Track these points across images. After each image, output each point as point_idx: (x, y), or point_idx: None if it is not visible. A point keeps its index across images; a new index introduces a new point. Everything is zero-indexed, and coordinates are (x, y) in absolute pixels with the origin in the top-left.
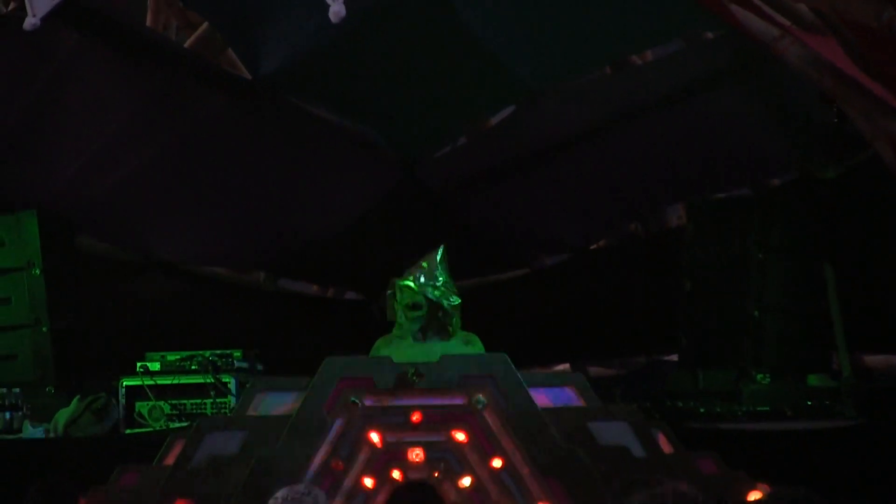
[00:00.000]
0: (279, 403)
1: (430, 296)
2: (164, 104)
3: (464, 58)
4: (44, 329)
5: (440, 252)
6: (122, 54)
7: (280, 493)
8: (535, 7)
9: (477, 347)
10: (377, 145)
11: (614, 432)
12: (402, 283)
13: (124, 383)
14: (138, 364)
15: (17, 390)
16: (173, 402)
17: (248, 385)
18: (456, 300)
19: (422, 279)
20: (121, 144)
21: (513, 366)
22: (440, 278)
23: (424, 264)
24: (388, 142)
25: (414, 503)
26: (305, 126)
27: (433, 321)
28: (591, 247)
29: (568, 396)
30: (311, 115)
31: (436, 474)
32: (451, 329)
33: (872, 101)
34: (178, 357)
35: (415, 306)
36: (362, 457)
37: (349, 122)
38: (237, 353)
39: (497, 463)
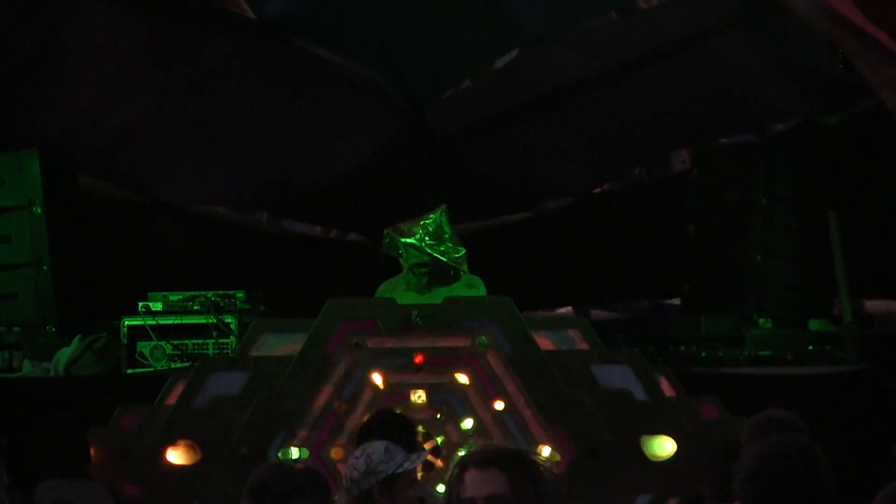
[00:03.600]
0: (282, 344)
1: (435, 254)
2: (167, 45)
3: (469, 2)
4: (45, 268)
5: (443, 210)
6: None
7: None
8: None
9: (480, 291)
10: (382, 88)
11: (617, 376)
12: (405, 241)
13: (126, 323)
14: (140, 304)
15: (18, 329)
16: (175, 342)
17: (250, 326)
18: (461, 250)
19: (427, 239)
20: (124, 85)
21: (516, 308)
22: (445, 234)
23: (429, 222)
24: (392, 85)
25: (386, 432)
26: (310, 68)
27: (437, 273)
28: (595, 191)
29: (571, 340)
30: (316, 57)
31: (438, 416)
32: (454, 275)
33: (878, 50)
34: (180, 297)
35: (420, 265)
36: (365, 398)
37: (354, 64)
38: (240, 294)
39: (499, 405)
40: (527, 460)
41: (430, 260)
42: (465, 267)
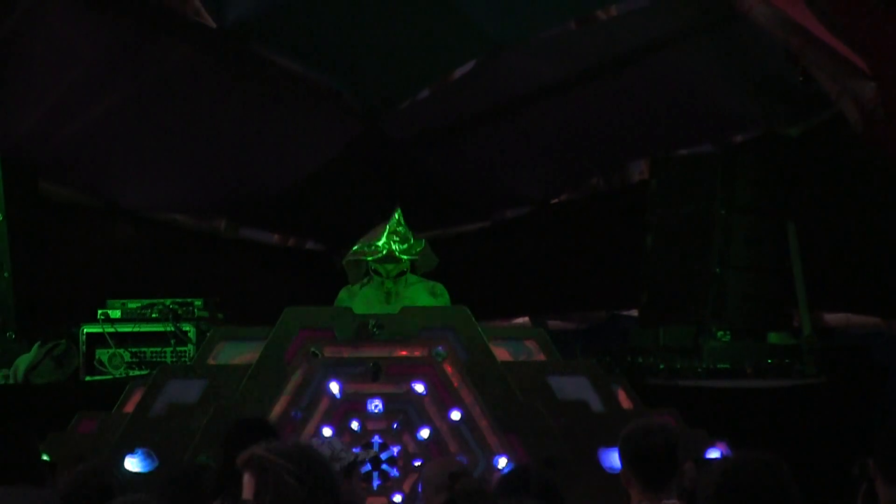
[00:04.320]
0: (239, 352)
1: (409, 257)
2: (128, 51)
3: (428, 10)
4: (5, 275)
5: (399, 213)
6: (86, 1)
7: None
8: None
9: (443, 298)
10: (340, 96)
11: (574, 387)
12: (374, 259)
13: (85, 330)
14: (99, 311)
15: None
16: (133, 349)
17: (208, 334)
18: (422, 241)
19: (398, 247)
20: (85, 91)
21: (473, 318)
22: (408, 234)
23: (393, 230)
24: (351, 93)
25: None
26: (269, 75)
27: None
28: (553, 201)
29: (528, 350)
30: (275, 64)
31: (395, 425)
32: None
33: (838, 61)
34: (138, 304)
35: (400, 273)
36: (322, 407)
37: (313, 72)
38: (198, 302)
39: (456, 415)
40: (271, 466)
41: (408, 263)
42: (432, 255)
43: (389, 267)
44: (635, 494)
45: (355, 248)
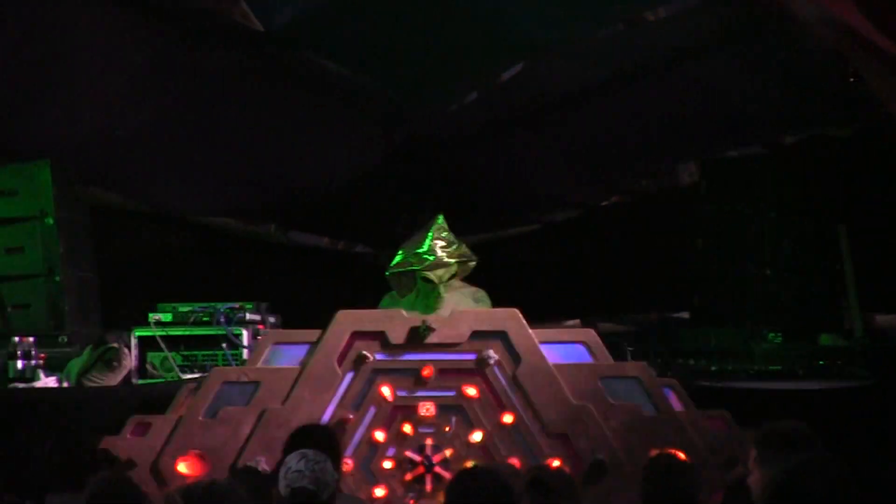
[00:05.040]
0: (290, 356)
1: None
2: (175, 56)
3: (475, 13)
4: (56, 279)
5: (442, 218)
6: (134, 6)
7: (294, 464)
8: None
9: (485, 304)
10: (388, 100)
11: (625, 389)
12: (424, 267)
13: (136, 334)
14: (150, 315)
15: (31, 339)
16: (185, 353)
17: (259, 337)
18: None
19: (445, 250)
20: (132, 96)
21: (524, 321)
22: (451, 237)
23: (444, 233)
24: (399, 97)
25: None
26: (316, 79)
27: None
28: (603, 203)
29: (579, 353)
30: (323, 68)
31: (447, 429)
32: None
33: (886, 60)
34: (189, 308)
35: (451, 277)
36: (373, 410)
37: (358, 75)
38: (249, 305)
39: (507, 419)
40: None
41: (457, 267)
42: (473, 256)
43: (440, 272)
44: None
45: (398, 258)
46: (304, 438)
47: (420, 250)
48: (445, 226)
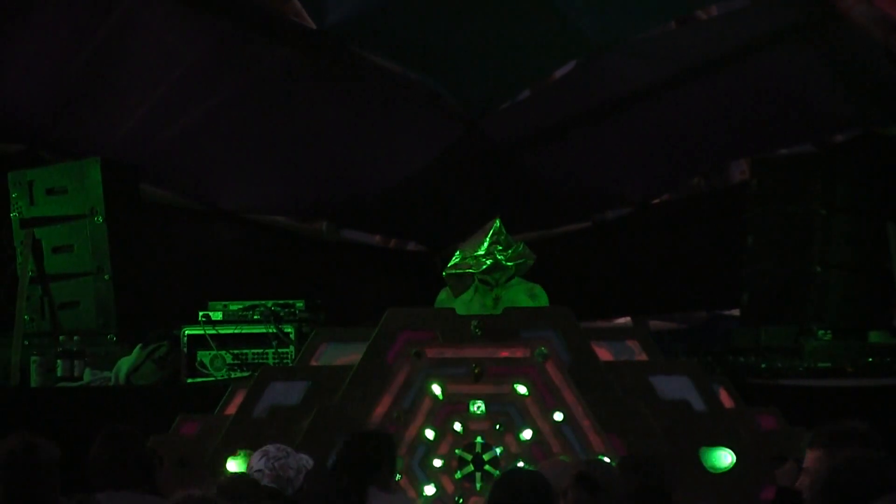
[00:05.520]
0: (341, 354)
1: (514, 263)
2: (228, 53)
3: (529, 12)
4: (106, 277)
5: (499, 221)
6: (186, 3)
7: (255, 462)
8: None
9: (541, 300)
10: (441, 98)
11: (675, 387)
12: (480, 272)
13: (186, 332)
14: (200, 313)
15: (79, 337)
16: (235, 351)
17: (310, 335)
18: (521, 244)
19: (502, 255)
20: (185, 93)
21: (575, 319)
22: (509, 239)
23: (496, 238)
24: (451, 94)
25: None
26: (369, 77)
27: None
28: (654, 201)
29: (629, 350)
30: (376, 66)
31: (497, 426)
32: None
33: None
34: (239, 306)
35: (509, 279)
36: (424, 408)
37: (413, 73)
38: (299, 304)
39: (558, 416)
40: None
41: (513, 268)
42: (531, 254)
43: (497, 275)
44: None
45: (456, 259)
46: (361, 443)
47: (478, 253)
48: (503, 229)
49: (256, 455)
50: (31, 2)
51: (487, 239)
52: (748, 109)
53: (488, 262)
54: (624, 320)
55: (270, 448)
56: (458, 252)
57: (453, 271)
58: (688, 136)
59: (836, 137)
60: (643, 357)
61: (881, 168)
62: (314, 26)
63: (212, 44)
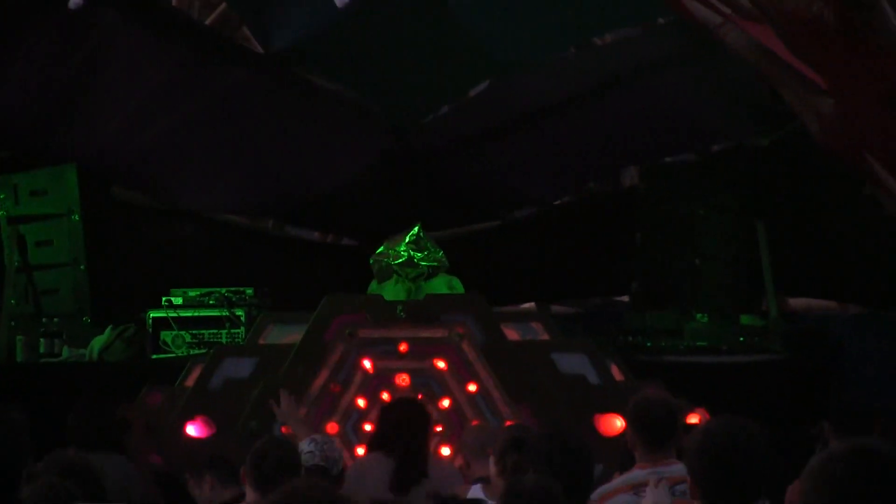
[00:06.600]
0: (285, 334)
1: (427, 264)
2: (189, 74)
3: (448, 39)
4: (81, 267)
5: (419, 227)
6: (153, 29)
7: (305, 446)
8: None
9: (458, 289)
10: (373, 113)
11: (574, 363)
12: (397, 263)
13: (151, 315)
14: (163, 298)
15: (58, 320)
16: (193, 331)
17: (258, 318)
18: (440, 251)
19: (416, 255)
20: (152, 108)
21: (487, 304)
22: (427, 244)
23: (412, 241)
24: (382, 110)
25: (402, 418)
26: (311, 95)
27: (426, 274)
28: (556, 202)
29: (534, 331)
30: (316, 85)
31: (419, 396)
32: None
33: (801, 81)
34: (198, 293)
35: (417, 276)
36: (357, 380)
37: (349, 92)
38: (249, 291)
39: (472, 388)
40: None
41: (426, 268)
42: (445, 262)
43: (408, 270)
44: (640, 456)
45: (380, 249)
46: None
47: (398, 248)
48: (422, 234)
49: (306, 441)
50: (19, 28)
51: (406, 239)
52: (638, 123)
53: (404, 257)
54: (529, 305)
55: (317, 436)
56: (384, 244)
57: (376, 258)
58: (586, 146)
59: (714, 148)
60: (546, 337)
61: (752, 174)
62: (261, 51)
63: (175, 66)
